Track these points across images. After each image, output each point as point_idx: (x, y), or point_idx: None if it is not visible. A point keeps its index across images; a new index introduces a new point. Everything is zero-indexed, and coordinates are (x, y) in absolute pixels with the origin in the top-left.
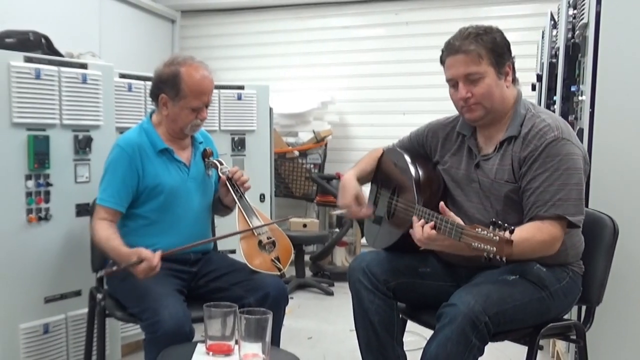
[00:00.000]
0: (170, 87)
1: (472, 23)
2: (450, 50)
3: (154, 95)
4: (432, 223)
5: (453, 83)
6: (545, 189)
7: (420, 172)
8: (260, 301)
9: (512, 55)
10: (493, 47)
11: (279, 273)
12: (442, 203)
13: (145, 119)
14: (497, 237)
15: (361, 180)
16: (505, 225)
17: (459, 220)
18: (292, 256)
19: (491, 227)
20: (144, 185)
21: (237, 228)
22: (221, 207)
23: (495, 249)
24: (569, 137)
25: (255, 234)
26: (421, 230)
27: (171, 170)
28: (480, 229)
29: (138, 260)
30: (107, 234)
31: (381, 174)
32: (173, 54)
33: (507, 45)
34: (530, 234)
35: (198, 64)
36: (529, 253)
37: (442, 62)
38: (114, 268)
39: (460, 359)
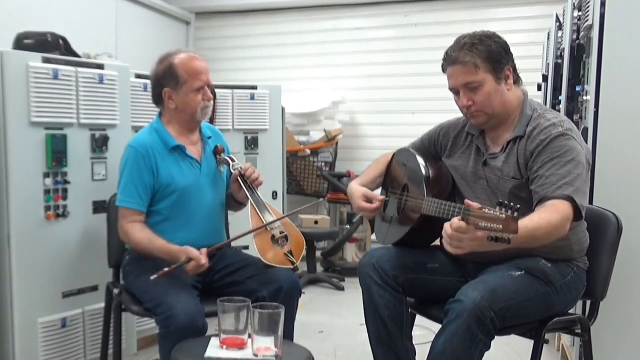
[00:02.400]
0: (169, 79)
1: (479, 25)
2: (448, 61)
3: (157, 96)
4: (459, 217)
5: (455, 91)
6: (553, 173)
7: (431, 170)
8: (274, 294)
9: (512, 58)
10: (489, 56)
11: (292, 266)
12: (467, 200)
13: (155, 119)
14: (504, 215)
15: (368, 186)
16: (511, 204)
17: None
18: (304, 251)
19: (498, 207)
20: (159, 184)
21: (250, 224)
22: (234, 203)
23: (501, 226)
24: (573, 134)
25: (269, 229)
26: (449, 225)
27: (184, 167)
28: (487, 209)
29: (187, 260)
30: (147, 235)
31: (391, 176)
32: (161, 54)
33: (504, 50)
34: (544, 215)
35: (186, 50)
36: (542, 235)
37: (444, 71)
38: (165, 270)
39: (466, 353)
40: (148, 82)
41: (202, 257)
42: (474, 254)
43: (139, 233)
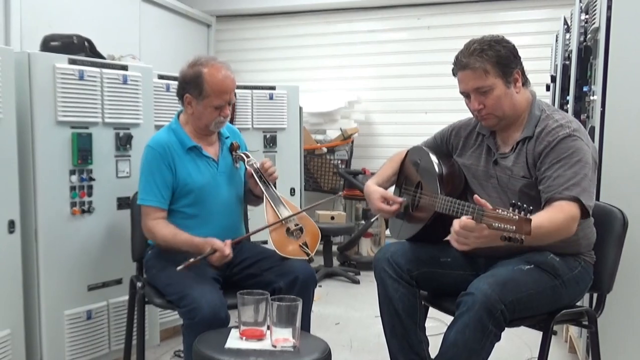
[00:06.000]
0: (194, 87)
1: (490, 27)
2: (458, 66)
3: (180, 95)
4: (469, 216)
5: (466, 95)
6: (560, 175)
7: (444, 168)
8: (290, 284)
9: (520, 61)
10: (498, 61)
11: (307, 257)
12: (476, 195)
13: (174, 120)
14: (517, 217)
15: (383, 185)
16: (524, 206)
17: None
18: (320, 245)
19: (511, 208)
20: (177, 183)
21: (266, 218)
22: (252, 197)
23: (514, 227)
24: (579, 135)
25: (284, 222)
26: (457, 222)
27: (200, 166)
28: (500, 210)
29: (212, 251)
30: (171, 230)
31: (404, 173)
32: (196, 55)
33: (513, 54)
34: (548, 215)
35: (220, 64)
36: (549, 235)
37: (454, 74)
38: (191, 260)
39: (477, 344)
40: (170, 82)
41: (226, 248)
42: (485, 248)
43: (163, 229)
